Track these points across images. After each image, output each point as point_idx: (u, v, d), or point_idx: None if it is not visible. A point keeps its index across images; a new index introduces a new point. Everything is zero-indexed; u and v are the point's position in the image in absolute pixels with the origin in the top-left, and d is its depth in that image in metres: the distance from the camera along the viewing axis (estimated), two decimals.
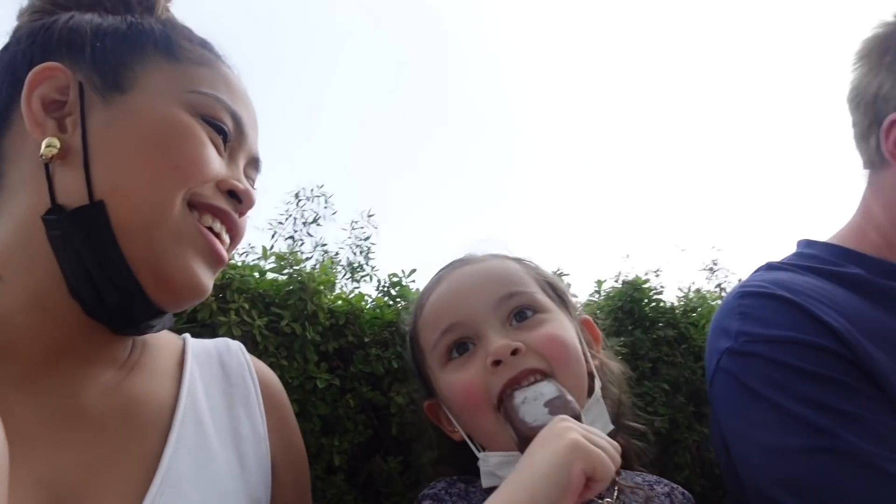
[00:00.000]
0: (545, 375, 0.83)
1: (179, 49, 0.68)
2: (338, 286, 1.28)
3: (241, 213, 0.70)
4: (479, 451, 0.88)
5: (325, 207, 6.55)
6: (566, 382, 0.83)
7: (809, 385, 0.83)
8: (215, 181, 0.66)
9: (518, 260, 1.00)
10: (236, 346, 0.86)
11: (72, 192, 0.59)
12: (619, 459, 0.70)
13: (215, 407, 0.77)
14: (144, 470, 0.65)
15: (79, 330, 0.62)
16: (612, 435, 0.88)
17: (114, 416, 0.66)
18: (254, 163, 0.74)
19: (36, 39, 0.65)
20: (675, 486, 0.93)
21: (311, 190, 6.55)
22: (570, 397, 0.79)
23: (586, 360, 0.92)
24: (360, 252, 6.27)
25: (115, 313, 0.62)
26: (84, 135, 0.60)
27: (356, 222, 6.30)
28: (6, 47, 0.67)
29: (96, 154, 0.60)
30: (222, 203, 0.66)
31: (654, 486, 0.92)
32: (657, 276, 1.58)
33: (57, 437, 0.60)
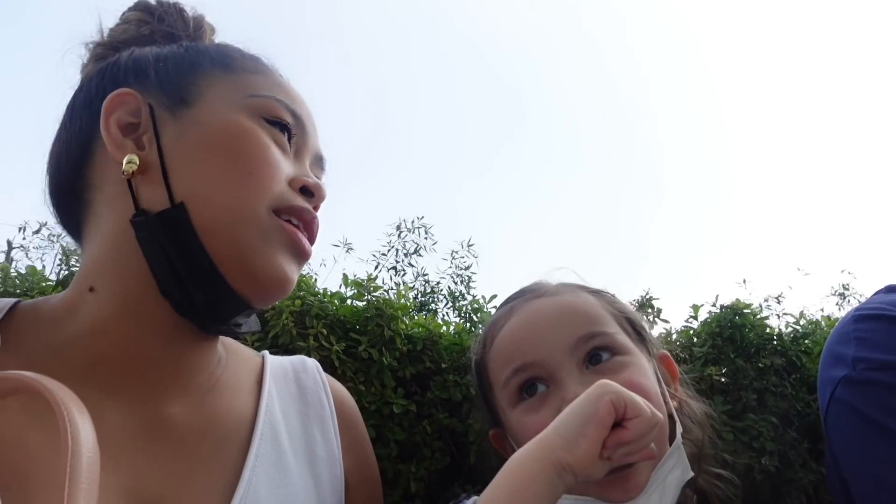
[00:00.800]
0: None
1: (234, 61, 0.72)
2: (439, 315, 1.28)
3: (316, 207, 0.71)
4: None
5: (426, 238, 6.69)
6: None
7: None
8: (287, 180, 0.68)
9: (595, 292, 0.93)
10: (312, 364, 0.87)
11: (154, 200, 0.63)
12: (661, 418, 0.65)
13: (291, 426, 0.77)
14: (223, 484, 0.66)
15: (169, 336, 0.64)
16: (692, 481, 0.82)
17: (196, 429, 0.67)
18: (319, 161, 0.76)
19: (105, 75, 0.71)
20: None
21: (412, 221, 6.73)
22: None
23: (665, 402, 0.85)
24: (461, 281, 6.32)
25: (204, 310, 0.65)
26: (159, 149, 0.64)
27: (456, 252, 6.38)
28: (80, 88, 0.73)
29: (173, 165, 0.64)
30: (299, 201, 0.68)
31: None
32: (779, 302, 1.45)
33: (142, 445, 0.62)
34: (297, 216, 0.67)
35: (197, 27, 0.79)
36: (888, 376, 0.77)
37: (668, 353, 0.95)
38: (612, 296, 0.94)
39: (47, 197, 0.70)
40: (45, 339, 0.63)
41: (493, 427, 0.93)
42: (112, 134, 0.65)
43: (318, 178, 0.76)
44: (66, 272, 0.94)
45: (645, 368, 0.85)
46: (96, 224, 0.67)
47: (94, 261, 0.65)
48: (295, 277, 0.67)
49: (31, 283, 1.02)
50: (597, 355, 0.83)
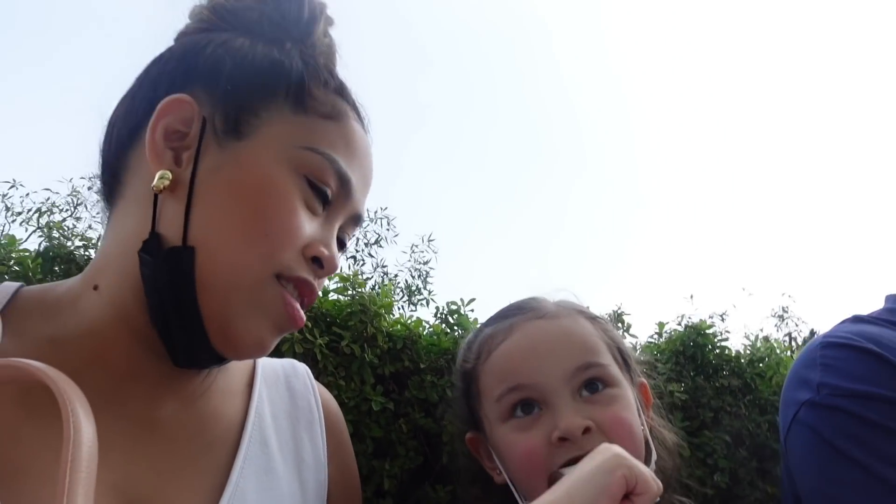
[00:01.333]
0: None
1: (310, 99, 0.67)
2: (395, 308, 1.29)
3: (320, 277, 0.69)
4: (522, 501, 0.86)
5: (388, 230, 6.65)
6: None
7: (894, 445, 0.77)
8: (303, 246, 0.65)
9: (592, 319, 0.96)
10: (303, 369, 0.88)
11: (171, 225, 0.61)
12: (661, 489, 0.68)
13: (281, 429, 0.78)
14: (212, 485, 0.66)
15: (161, 351, 0.64)
16: None
17: (186, 430, 0.68)
18: (354, 219, 0.73)
19: (182, 63, 0.67)
20: None
21: (375, 212, 6.68)
22: None
23: (642, 429, 0.89)
24: (419, 275, 6.32)
25: (181, 353, 0.64)
26: (193, 175, 0.62)
27: (416, 246, 6.38)
28: (160, 58, 0.69)
29: (199, 197, 0.62)
30: (304, 273, 0.65)
31: None
32: (723, 320, 1.52)
33: (133, 444, 0.62)
34: (296, 286, 0.65)
35: (311, 19, 0.72)
36: (850, 403, 0.82)
37: (646, 383, 1.00)
38: (606, 322, 0.98)
39: (98, 156, 0.68)
40: (46, 330, 0.62)
41: (472, 430, 0.95)
42: (156, 140, 0.63)
43: (346, 238, 0.74)
44: (47, 244, 0.91)
45: (631, 401, 0.89)
46: (121, 219, 0.66)
47: (106, 258, 0.65)
48: (271, 347, 0.67)
49: (5, 253, 0.98)
50: (592, 384, 0.86)
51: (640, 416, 0.91)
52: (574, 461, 0.78)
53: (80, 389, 0.50)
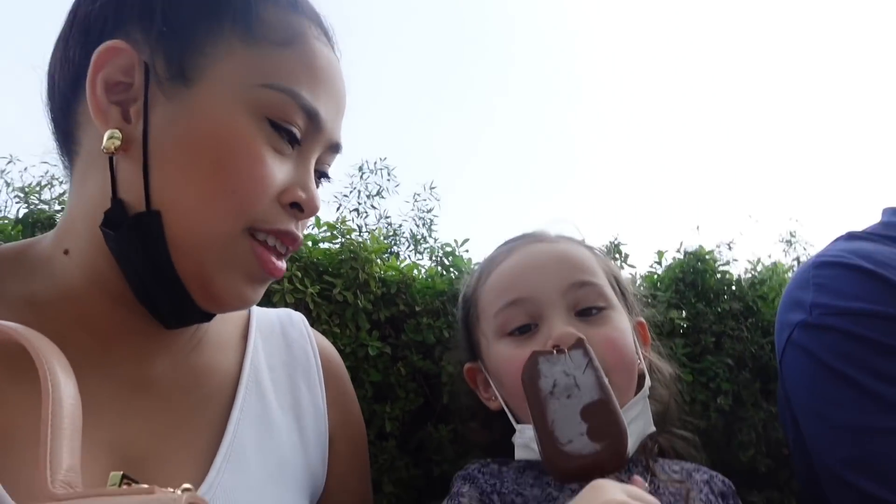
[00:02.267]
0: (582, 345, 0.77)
1: (260, 25, 0.61)
2: (402, 257, 1.28)
3: (302, 220, 0.66)
4: (516, 423, 0.87)
5: (388, 180, 6.61)
6: (619, 383, 0.81)
7: (887, 360, 0.77)
8: (277, 193, 0.62)
9: (590, 248, 0.99)
10: (299, 318, 0.87)
11: (132, 188, 0.58)
12: None
13: (277, 379, 0.77)
14: (209, 439, 0.66)
15: (143, 311, 0.63)
16: (653, 436, 0.88)
17: (180, 386, 0.67)
18: (332, 148, 0.68)
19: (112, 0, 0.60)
20: (714, 473, 0.90)
21: (375, 163, 6.61)
22: (613, 400, 0.68)
23: (638, 359, 0.91)
24: (423, 224, 6.32)
25: (168, 314, 0.63)
26: (145, 132, 0.58)
27: (419, 195, 6.34)
28: (78, 3, 0.63)
29: (155, 156, 0.58)
30: (282, 223, 0.63)
31: (693, 474, 0.89)
32: (730, 248, 1.49)
33: (125, 403, 0.62)
34: (276, 237, 0.62)
35: None
36: (842, 322, 0.81)
37: (644, 322, 1.01)
38: (605, 254, 1.01)
39: (46, 116, 0.64)
40: (24, 292, 0.61)
41: (470, 361, 0.97)
42: (98, 97, 0.57)
43: (327, 167, 0.69)
44: (26, 209, 0.90)
45: (625, 326, 0.90)
46: (81, 179, 0.63)
47: (73, 221, 0.63)
48: (258, 296, 0.65)
49: None
50: (586, 310, 0.88)
51: (637, 350, 0.92)
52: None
53: (58, 349, 0.49)
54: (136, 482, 0.42)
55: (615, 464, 0.63)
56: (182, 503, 0.39)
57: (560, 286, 0.88)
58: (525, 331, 0.88)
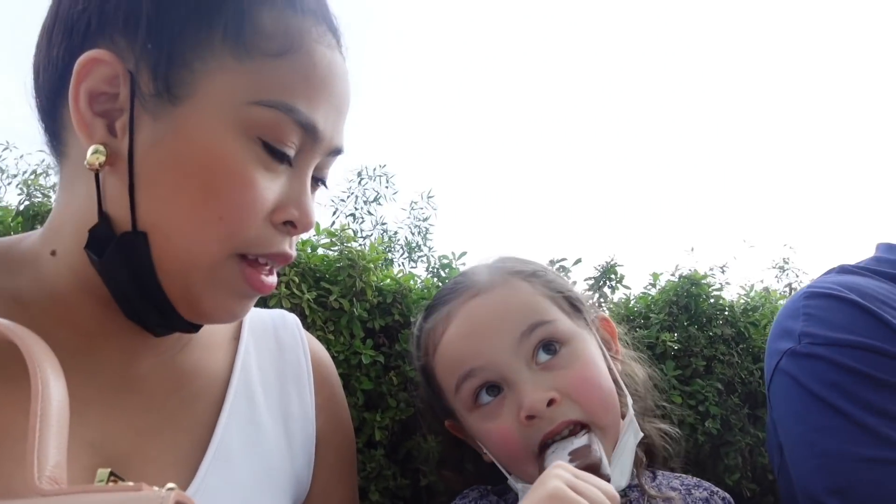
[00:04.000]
0: (583, 427, 0.79)
1: (254, 34, 0.56)
2: (396, 265, 1.29)
3: (296, 235, 0.65)
4: (509, 475, 0.86)
5: (387, 187, 6.63)
6: (603, 424, 0.81)
7: (875, 392, 0.78)
8: (268, 213, 0.59)
9: (530, 277, 0.91)
10: (293, 320, 0.86)
11: (118, 205, 0.56)
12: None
13: (268, 382, 0.77)
14: (195, 441, 0.66)
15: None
16: (641, 441, 0.86)
17: (166, 386, 0.67)
18: (332, 153, 0.66)
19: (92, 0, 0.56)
20: (715, 489, 0.89)
21: (374, 169, 6.63)
22: (596, 446, 0.77)
23: (612, 374, 0.87)
24: (419, 232, 6.32)
25: (156, 328, 0.63)
26: (131, 150, 0.55)
27: (415, 203, 6.36)
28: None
29: (141, 178, 0.56)
30: (272, 246, 0.61)
31: (693, 491, 0.88)
32: (723, 272, 1.50)
33: (110, 402, 0.62)
34: (267, 259, 0.61)
35: None
36: (830, 352, 0.83)
37: (606, 315, 0.98)
38: (546, 273, 0.93)
39: (34, 110, 0.61)
40: (9, 289, 0.60)
41: (447, 419, 0.93)
42: (81, 110, 0.55)
43: (325, 173, 0.66)
44: (28, 202, 0.91)
45: (592, 352, 0.86)
46: (69, 183, 0.61)
47: (61, 223, 0.61)
48: (248, 309, 0.64)
49: None
50: (547, 346, 0.83)
51: (606, 358, 0.89)
52: (550, 435, 0.78)
53: (48, 347, 0.49)
54: (123, 480, 0.42)
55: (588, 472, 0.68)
56: (170, 501, 0.39)
57: (511, 341, 0.82)
58: (493, 393, 0.83)
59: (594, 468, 0.72)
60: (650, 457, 0.93)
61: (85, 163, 0.55)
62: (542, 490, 0.63)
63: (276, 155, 0.58)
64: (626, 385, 0.89)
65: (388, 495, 1.08)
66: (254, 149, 0.57)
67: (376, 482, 1.06)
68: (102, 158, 0.54)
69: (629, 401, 0.87)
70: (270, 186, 0.59)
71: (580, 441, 0.76)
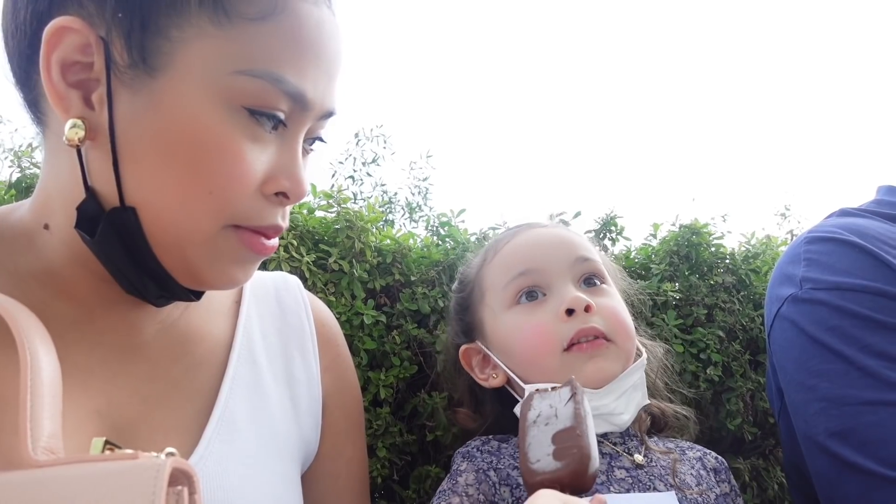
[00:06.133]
0: (607, 340, 0.89)
1: None
2: (397, 226, 1.28)
3: (289, 205, 0.63)
4: (523, 387, 0.90)
5: (385, 148, 6.54)
6: (623, 347, 0.90)
7: (876, 334, 0.78)
8: (260, 184, 0.58)
9: (579, 232, 1.08)
10: (294, 282, 0.85)
11: (104, 180, 0.55)
12: None
13: (270, 346, 0.77)
14: (199, 407, 0.66)
15: None
16: (646, 408, 0.95)
17: (169, 353, 0.67)
18: (324, 116, 0.63)
19: None
20: (708, 451, 0.95)
21: (371, 130, 6.52)
22: (583, 427, 0.72)
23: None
24: (419, 192, 6.29)
25: (156, 299, 0.62)
26: (111, 124, 0.53)
27: (415, 163, 6.29)
28: None
29: (125, 153, 0.53)
30: (265, 218, 0.59)
31: (686, 451, 0.94)
32: (724, 220, 1.49)
33: (114, 370, 0.62)
34: (258, 233, 0.59)
35: None
36: (831, 296, 0.82)
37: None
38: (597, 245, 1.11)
39: (10, 78, 0.59)
40: (5, 263, 0.59)
41: (466, 343, 0.99)
42: (54, 82, 0.52)
43: (319, 133, 0.64)
44: (20, 174, 0.89)
45: (620, 299, 0.98)
46: (53, 155, 0.59)
47: (49, 197, 0.60)
48: (251, 274, 0.63)
49: None
50: (590, 279, 0.96)
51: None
52: (581, 333, 0.88)
53: (37, 318, 0.49)
54: (120, 448, 0.42)
55: (574, 482, 0.67)
56: (166, 467, 0.38)
57: (566, 260, 0.94)
58: (533, 298, 0.93)
59: (582, 470, 0.68)
60: (658, 429, 1.00)
61: (64, 138, 0.53)
62: None
63: (264, 119, 0.56)
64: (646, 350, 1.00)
65: (395, 451, 1.10)
66: (240, 119, 0.55)
67: (383, 439, 1.08)
68: (81, 133, 0.52)
69: (643, 353, 0.96)
70: (259, 157, 0.57)
71: (565, 411, 0.74)
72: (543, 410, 0.75)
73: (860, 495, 0.74)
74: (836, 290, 0.82)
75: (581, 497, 0.65)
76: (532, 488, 0.68)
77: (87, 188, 0.55)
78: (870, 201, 0.98)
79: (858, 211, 0.94)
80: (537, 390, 0.79)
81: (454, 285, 1.10)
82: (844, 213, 0.96)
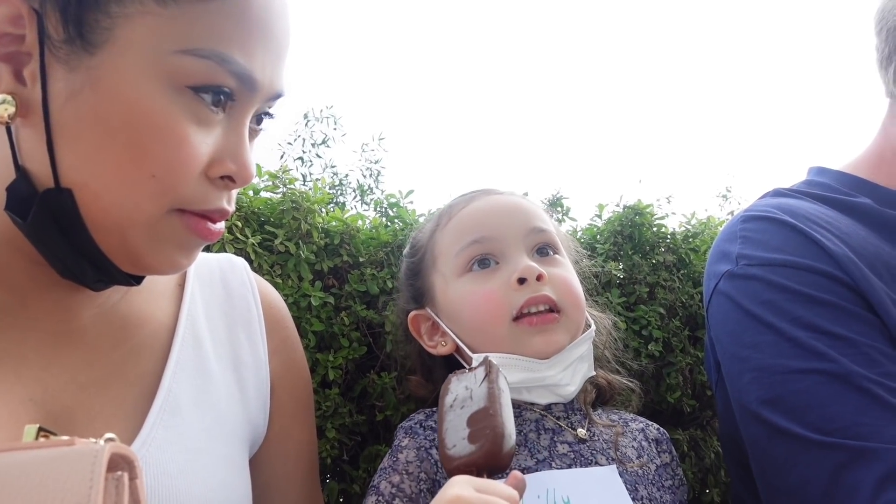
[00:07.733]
0: (556, 312, 0.90)
1: None
2: (348, 207, 1.27)
3: (234, 189, 0.61)
4: (471, 355, 0.91)
5: (335, 129, 6.42)
6: (573, 317, 0.92)
7: (805, 307, 0.82)
8: (205, 168, 0.56)
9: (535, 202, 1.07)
10: (241, 263, 0.83)
11: (36, 160, 0.52)
12: None
13: (216, 329, 0.75)
14: (141, 392, 0.64)
15: None
16: (592, 380, 0.97)
17: (109, 337, 0.65)
18: (272, 98, 0.62)
19: None
20: (650, 423, 0.98)
21: (321, 111, 6.38)
22: (496, 406, 0.71)
23: None
24: (371, 175, 6.20)
25: (94, 284, 0.60)
26: (45, 101, 0.50)
27: (366, 145, 6.20)
28: None
29: (60, 132, 0.51)
30: (210, 202, 0.58)
31: (629, 423, 0.96)
32: (668, 202, 1.54)
33: (49, 357, 0.59)
34: (204, 217, 0.58)
35: None
36: (764, 272, 0.86)
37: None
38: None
39: None
40: None
41: (416, 309, 0.99)
42: None
43: (267, 111, 0.63)
44: None
45: (572, 270, 0.98)
46: None
47: None
48: (194, 258, 0.61)
49: None
50: (544, 249, 0.96)
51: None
52: (531, 302, 0.88)
53: None
54: (55, 434, 0.40)
55: (490, 462, 0.66)
56: (104, 453, 0.37)
57: (521, 230, 0.94)
58: (485, 265, 0.93)
59: (496, 450, 0.67)
60: (603, 401, 1.01)
61: None
62: (447, 492, 0.60)
63: (209, 95, 0.54)
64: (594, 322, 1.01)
65: (344, 431, 1.10)
66: (184, 100, 0.53)
67: (332, 420, 1.07)
68: (12, 109, 0.50)
69: (592, 325, 0.98)
70: (205, 140, 0.55)
71: (479, 391, 0.73)
72: (459, 393, 0.75)
73: (787, 459, 0.79)
74: (769, 266, 0.86)
75: (498, 477, 0.65)
76: (450, 474, 0.66)
77: (18, 167, 0.52)
78: (801, 182, 1.02)
79: (790, 191, 0.99)
80: (454, 374, 0.79)
81: (405, 249, 1.08)
82: (778, 193, 1.00)
